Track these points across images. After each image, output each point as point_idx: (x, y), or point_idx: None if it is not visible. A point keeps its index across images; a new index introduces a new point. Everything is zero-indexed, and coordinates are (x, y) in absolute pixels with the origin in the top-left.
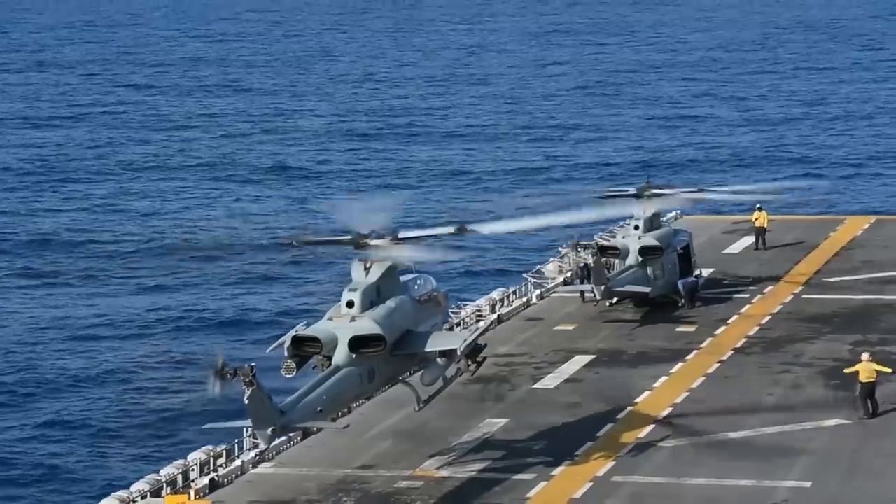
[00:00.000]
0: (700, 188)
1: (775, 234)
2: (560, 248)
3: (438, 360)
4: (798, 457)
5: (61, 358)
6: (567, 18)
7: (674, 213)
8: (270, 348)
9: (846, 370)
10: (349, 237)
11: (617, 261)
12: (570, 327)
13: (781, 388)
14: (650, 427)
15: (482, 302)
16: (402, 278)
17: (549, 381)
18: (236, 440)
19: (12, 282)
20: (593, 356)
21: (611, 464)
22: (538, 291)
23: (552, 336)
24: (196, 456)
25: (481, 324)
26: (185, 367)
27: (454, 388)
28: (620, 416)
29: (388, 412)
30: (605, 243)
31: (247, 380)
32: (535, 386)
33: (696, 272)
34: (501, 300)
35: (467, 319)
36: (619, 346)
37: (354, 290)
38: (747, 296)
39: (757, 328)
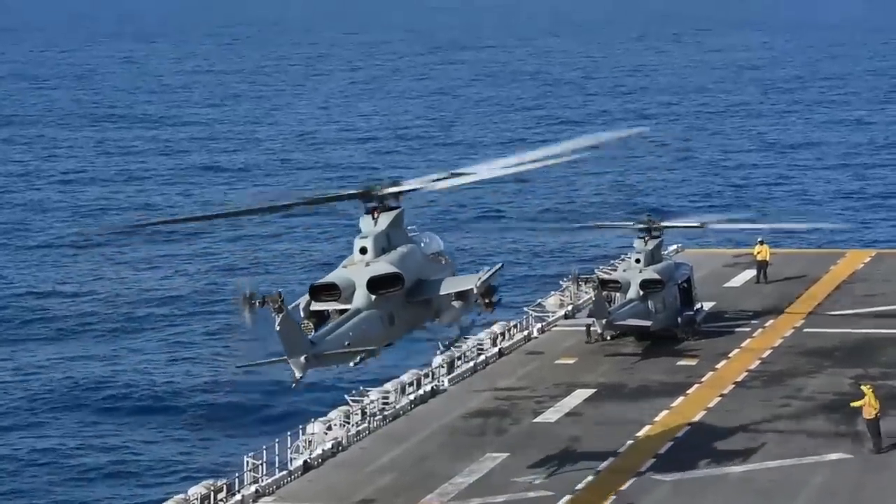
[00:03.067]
0: (702, 222)
1: (776, 267)
2: (561, 282)
3: (454, 303)
4: (799, 491)
5: (57, 384)
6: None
7: (675, 247)
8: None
9: (852, 404)
10: (355, 191)
11: (618, 294)
12: (571, 361)
13: (783, 422)
14: (651, 461)
15: (483, 335)
16: (410, 234)
17: (550, 415)
18: (237, 474)
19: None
20: (594, 390)
21: (612, 498)
22: (539, 325)
23: (553, 370)
24: (196, 490)
25: (494, 267)
26: (180, 394)
27: (455, 421)
28: (621, 449)
29: (389, 446)
30: (606, 277)
31: (276, 306)
32: (535, 420)
33: (697, 305)
34: (502, 333)
35: (468, 353)
36: (620, 380)
37: (366, 237)
38: (748, 329)
39: (758, 362)
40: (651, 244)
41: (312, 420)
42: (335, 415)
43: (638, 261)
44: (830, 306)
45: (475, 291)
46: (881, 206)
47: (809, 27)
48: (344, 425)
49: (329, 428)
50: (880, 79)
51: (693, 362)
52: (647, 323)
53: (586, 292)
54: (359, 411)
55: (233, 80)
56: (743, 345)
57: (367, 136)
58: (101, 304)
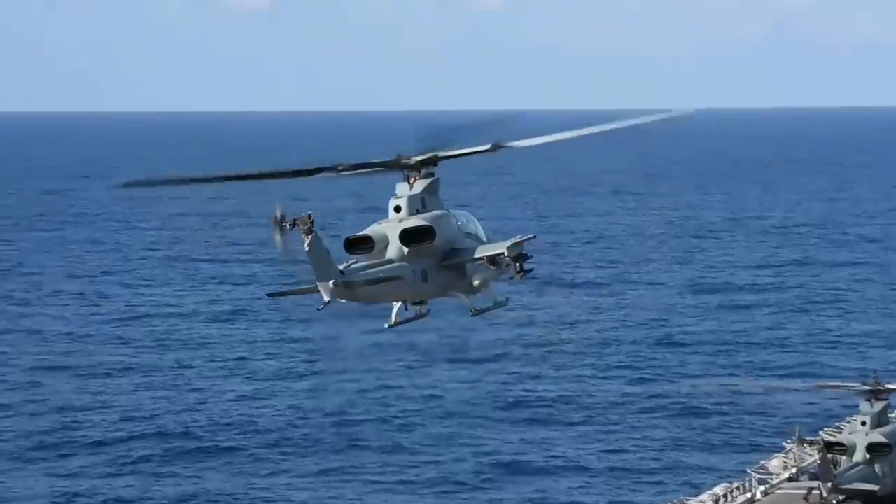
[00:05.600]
0: None
1: None
2: (785, 443)
3: (488, 268)
4: None
5: None
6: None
7: None
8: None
9: None
10: (391, 159)
11: (843, 457)
12: None
13: None
14: None
15: (705, 497)
16: (450, 210)
17: None
18: None
19: None
20: None
21: None
22: (762, 487)
23: None
24: None
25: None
26: None
27: None
28: None
29: None
30: (832, 439)
31: (305, 227)
32: None
33: None
34: (725, 496)
35: None
36: None
37: (401, 197)
38: None
39: None
40: (878, 406)
41: None
42: None
43: (864, 423)
44: None
45: (506, 255)
46: None
47: None
48: None
49: None
50: None
51: None
52: (875, 487)
53: (810, 454)
54: None
55: None
56: None
57: None
58: None
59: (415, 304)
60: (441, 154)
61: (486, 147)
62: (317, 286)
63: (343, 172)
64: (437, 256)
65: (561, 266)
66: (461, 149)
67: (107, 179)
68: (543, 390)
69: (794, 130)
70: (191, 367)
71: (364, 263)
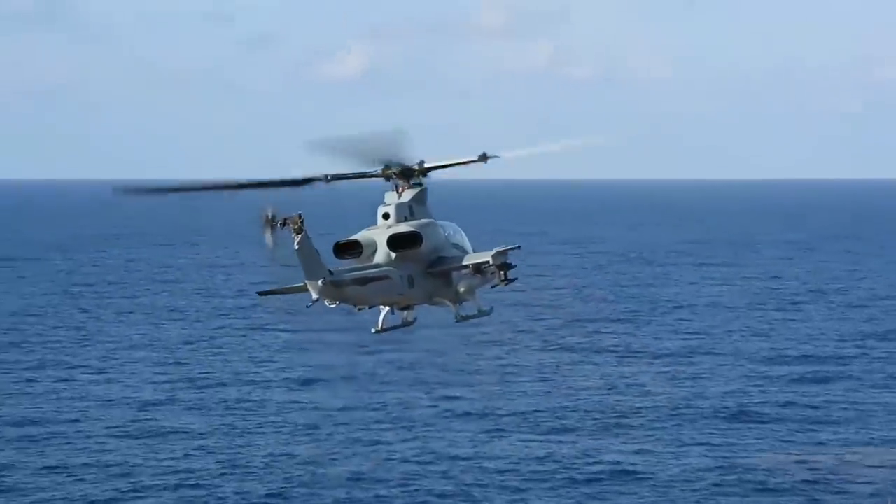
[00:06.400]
0: None
1: None
2: None
3: (473, 276)
4: None
5: None
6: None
7: None
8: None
9: None
10: (377, 170)
11: None
12: None
13: None
14: None
15: None
16: (437, 220)
17: None
18: None
19: None
20: None
21: None
22: None
23: None
24: None
25: (511, 245)
26: None
27: None
28: None
29: None
30: None
31: (296, 227)
32: None
33: None
34: None
35: None
36: None
37: (389, 204)
38: None
39: None
40: None
41: None
42: None
43: None
44: None
45: (491, 264)
46: None
47: None
48: None
49: None
50: None
51: None
52: None
53: None
54: None
55: None
56: None
57: None
58: None
59: (401, 309)
60: (429, 165)
61: (474, 158)
62: (305, 285)
63: (332, 181)
64: (424, 263)
65: (639, 336)
66: (449, 159)
67: (191, 248)
68: (614, 463)
69: (885, 202)
70: (262, 433)
71: (352, 266)
